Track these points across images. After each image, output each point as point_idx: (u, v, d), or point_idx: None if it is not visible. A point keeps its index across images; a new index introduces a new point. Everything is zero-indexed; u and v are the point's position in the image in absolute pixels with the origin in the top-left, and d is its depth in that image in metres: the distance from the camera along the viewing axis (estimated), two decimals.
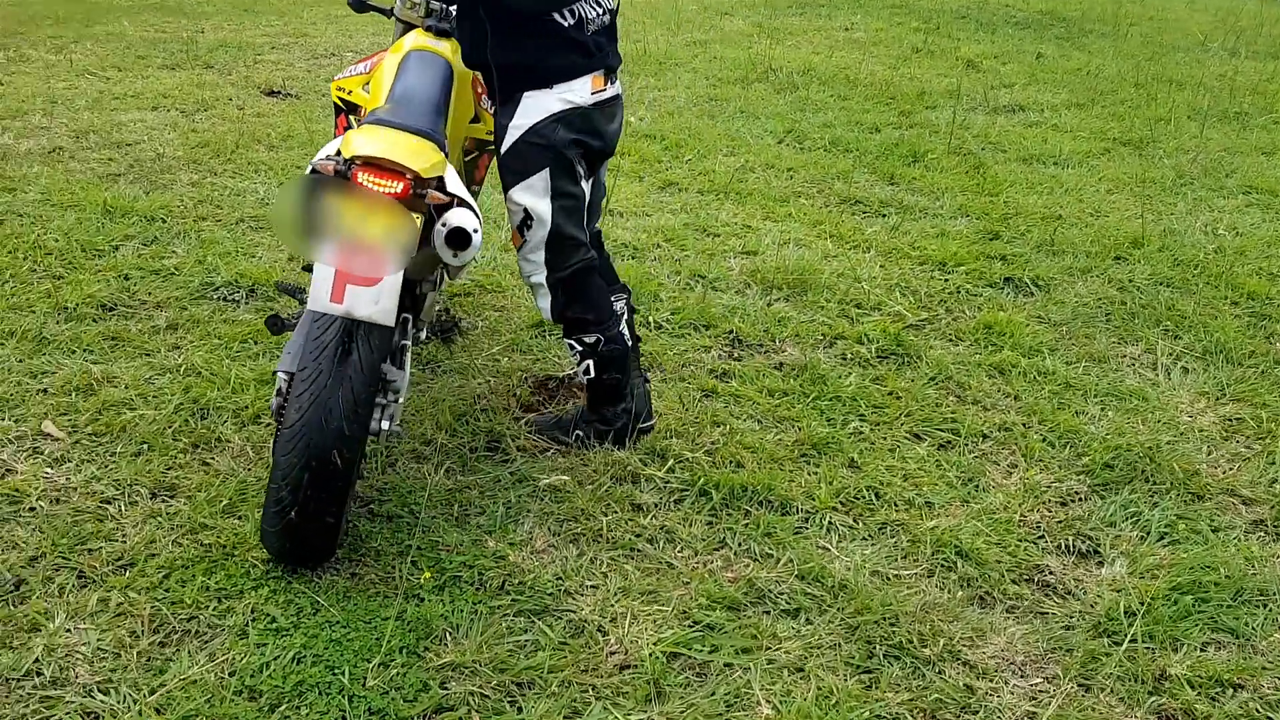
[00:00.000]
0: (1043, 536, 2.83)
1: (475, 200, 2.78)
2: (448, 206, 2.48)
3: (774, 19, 9.75)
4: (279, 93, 6.60)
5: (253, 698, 2.18)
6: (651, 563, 2.65)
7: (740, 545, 2.72)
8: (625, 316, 3.09)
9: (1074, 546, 2.79)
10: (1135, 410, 3.44)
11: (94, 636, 2.30)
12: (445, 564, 2.58)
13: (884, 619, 2.47)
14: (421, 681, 2.24)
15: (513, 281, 4.06)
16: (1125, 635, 2.46)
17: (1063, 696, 2.30)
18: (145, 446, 2.95)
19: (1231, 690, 2.35)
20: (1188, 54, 9.00)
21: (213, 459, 2.93)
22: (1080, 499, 2.99)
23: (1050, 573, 2.70)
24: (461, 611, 2.43)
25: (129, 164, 5.11)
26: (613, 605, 2.49)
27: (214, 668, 2.24)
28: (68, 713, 2.12)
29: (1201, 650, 2.45)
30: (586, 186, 2.92)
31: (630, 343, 3.06)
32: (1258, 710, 2.30)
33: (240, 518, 2.68)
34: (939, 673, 2.35)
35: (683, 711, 2.22)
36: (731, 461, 3.04)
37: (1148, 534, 2.84)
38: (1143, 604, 2.55)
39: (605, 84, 2.85)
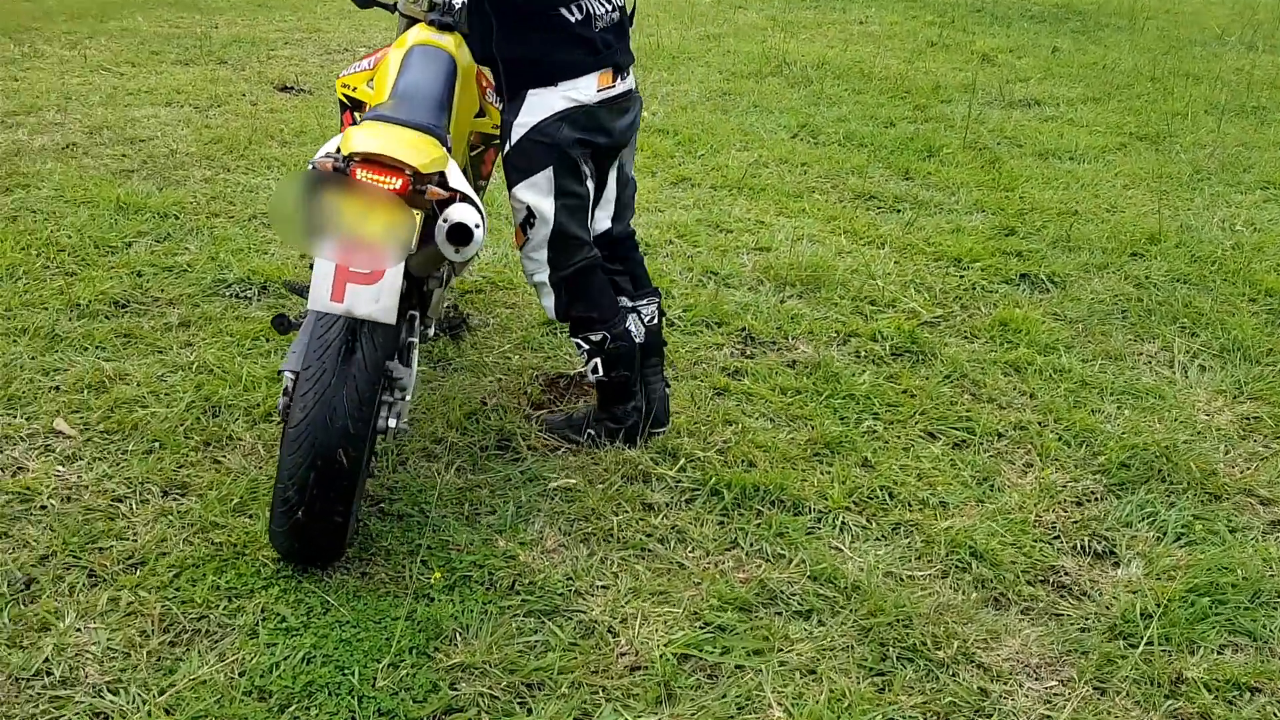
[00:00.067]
0: (1058, 537, 2.80)
1: (481, 196, 2.75)
2: (449, 202, 2.46)
3: (788, 13, 9.71)
4: (292, 88, 6.60)
5: (262, 698, 2.18)
6: (662, 563, 2.64)
7: (752, 545, 2.70)
8: (654, 321, 3.07)
9: (1089, 547, 2.76)
10: (1152, 409, 3.40)
11: (104, 636, 2.30)
12: (455, 563, 2.57)
13: (897, 621, 2.46)
14: (431, 682, 2.23)
15: (523, 279, 4.03)
16: (1141, 637, 2.43)
17: (1078, 700, 2.28)
18: (157, 444, 2.95)
19: (1249, 694, 2.32)
20: (1205, 48, 8.93)
21: (224, 457, 2.92)
22: (1096, 499, 2.96)
23: (1065, 574, 2.67)
24: (471, 612, 2.43)
25: (142, 160, 5.12)
26: (623, 606, 2.48)
27: (224, 667, 2.23)
28: (77, 712, 2.12)
29: (1218, 653, 2.43)
30: (591, 185, 2.90)
31: (642, 341, 3.03)
32: (1275, 714, 2.27)
33: (251, 516, 2.68)
34: (953, 675, 2.33)
35: (694, 714, 2.20)
36: (744, 460, 3.03)
37: (1164, 535, 2.81)
38: (1159, 606, 2.52)
39: (614, 80, 2.83)
